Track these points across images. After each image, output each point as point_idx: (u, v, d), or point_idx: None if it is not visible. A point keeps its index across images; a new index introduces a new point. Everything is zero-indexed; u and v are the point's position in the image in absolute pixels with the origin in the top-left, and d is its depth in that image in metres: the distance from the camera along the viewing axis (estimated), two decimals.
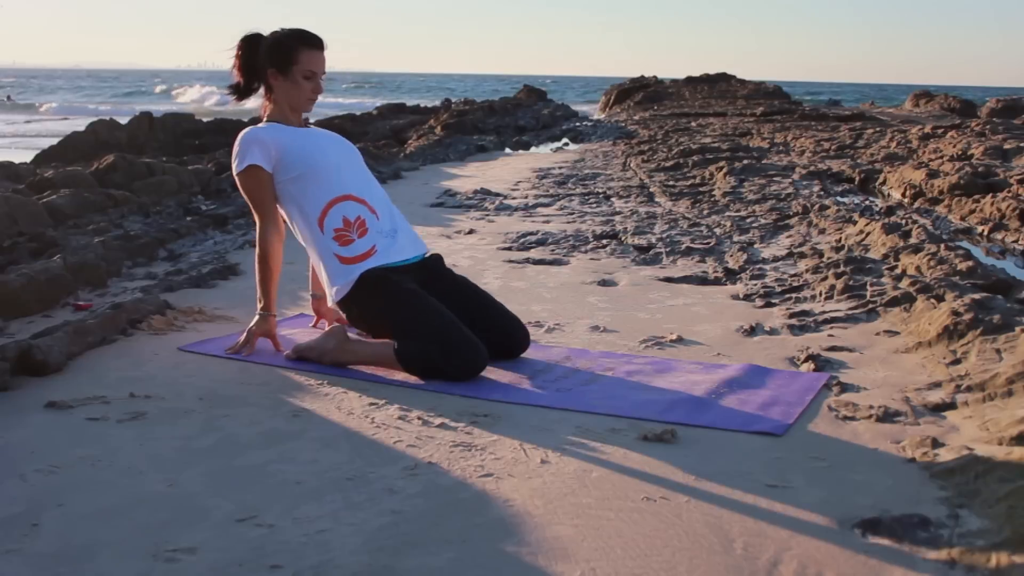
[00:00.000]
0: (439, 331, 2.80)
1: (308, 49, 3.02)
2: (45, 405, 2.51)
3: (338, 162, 3.07)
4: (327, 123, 15.55)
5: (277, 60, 3.01)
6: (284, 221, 3.12)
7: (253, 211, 3.09)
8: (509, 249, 5.09)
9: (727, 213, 6.42)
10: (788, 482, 2.07)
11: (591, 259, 4.85)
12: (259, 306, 3.08)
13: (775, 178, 8.24)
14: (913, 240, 4.79)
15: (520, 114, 18.94)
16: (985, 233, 5.63)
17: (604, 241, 5.31)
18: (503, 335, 3.01)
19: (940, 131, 12.19)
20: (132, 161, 7.08)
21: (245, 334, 3.07)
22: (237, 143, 3.05)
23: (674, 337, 3.33)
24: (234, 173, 3.07)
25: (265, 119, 3.13)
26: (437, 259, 3.16)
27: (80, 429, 2.36)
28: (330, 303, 3.06)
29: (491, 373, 2.86)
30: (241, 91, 3.13)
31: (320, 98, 3.18)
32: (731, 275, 4.39)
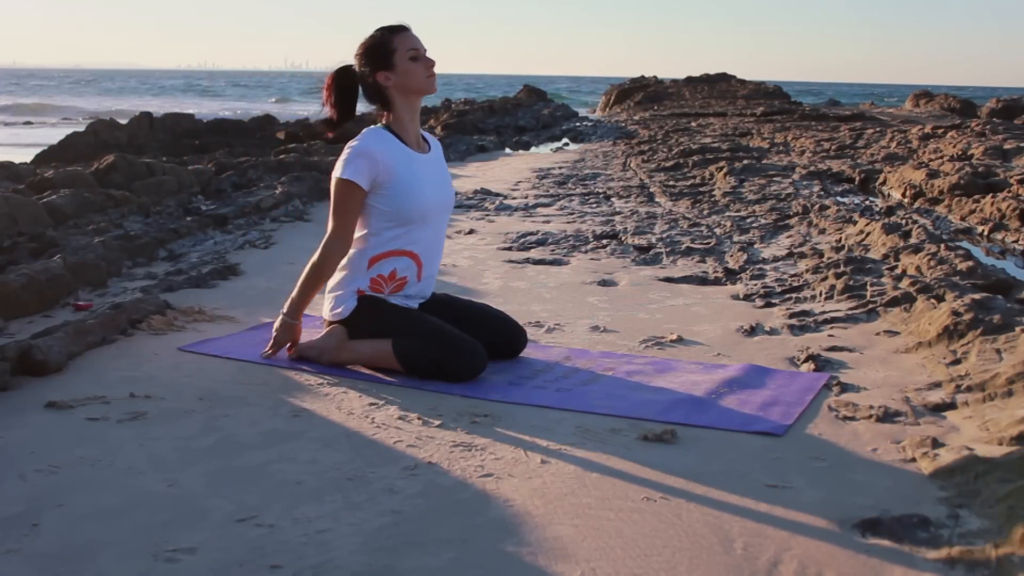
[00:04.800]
0: (439, 332, 2.81)
1: (397, 34, 2.92)
2: (45, 405, 2.51)
3: (426, 211, 2.93)
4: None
5: (379, 60, 2.90)
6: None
7: (331, 216, 2.90)
8: (509, 249, 5.09)
9: (727, 213, 6.42)
10: (788, 482, 2.07)
11: (591, 259, 4.85)
12: (286, 307, 2.96)
13: (775, 178, 8.24)
14: (913, 240, 4.79)
15: (520, 114, 18.95)
16: (985, 233, 5.63)
17: (604, 241, 5.31)
18: (500, 334, 3.02)
19: (940, 131, 12.19)
20: (132, 161, 7.07)
21: (273, 341, 3.00)
22: (349, 147, 2.90)
23: (674, 337, 3.33)
24: (333, 174, 2.92)
25: (381, 126, 2.98)
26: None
27: (80, 429, 2.36)
28: (325, 314, 3.00)
29: (491, 373, 2.86)
30: (336, 123, 3.02)
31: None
32: (731, 275, 4.39)
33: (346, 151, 2.89)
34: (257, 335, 3.26)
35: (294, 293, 2.95)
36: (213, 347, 3.10)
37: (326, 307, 3.00)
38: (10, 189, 5.67)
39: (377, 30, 2.96)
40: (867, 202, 7.01)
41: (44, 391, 2.62)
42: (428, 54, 2.94)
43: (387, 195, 2.87)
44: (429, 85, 2.95)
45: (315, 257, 2.91)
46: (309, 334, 3.26)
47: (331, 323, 2.97)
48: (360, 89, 2.97)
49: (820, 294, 3.93)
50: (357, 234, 2.93)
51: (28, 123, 23.29)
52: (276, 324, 2.99)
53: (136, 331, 3.26)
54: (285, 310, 2.97)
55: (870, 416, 2.48)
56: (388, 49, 2.90)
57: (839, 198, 7.09)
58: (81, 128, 12.61)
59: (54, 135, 13.76)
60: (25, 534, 1.79)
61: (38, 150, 11.16)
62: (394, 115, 2.96)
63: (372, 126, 2.98)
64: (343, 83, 2.98)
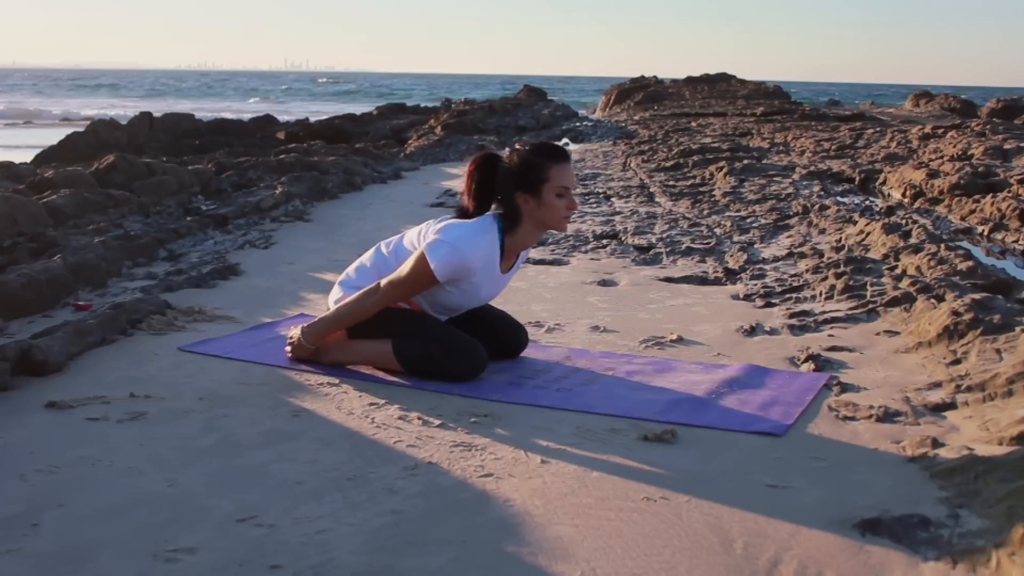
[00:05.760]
0: (439, 333, 2.81)
1: (557, 164, 2.77)
2: (45, 405, 2.51)
3: (462, 308, 2.92)
4: (327, 123, 15.55)
5: (526, 182, 2.76)
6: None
7: (400, 278, 2.77)
8: None
9: (727, 213, 6.42)
10: (788, 482, 2.07)
11: (591, 259, 4.85)
12: (308, 328, 2.89)
13: (775, 178, 8.24)
14: (913, 240, 4.79)
15: (520, 114, 18.95)
16: (985, 233, 5.63)
17: (604, 241, 5.31)
18: (501, 334, 3.02)
19: (940, 131, 12.19)
20: (132, 161, 7.07)
21: (291, 352, 2.97)
22: (459, 237, 2.73)
23: (674, 337, 3.33)
24: (426, 248, 2.73)
25: (499, 230, 2.82)
26: None
27: (80, 429, 2.36)
28: (331, 304, 3.02)
29: (491, 373, 2.86)
30: (470, 215, 2.85)
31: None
32: (731, 275, 4.39)
33: (453, 236, 2.74)
34: (257, 335, 3.26)
35: (325, 320, 2.87)
36: (213, 347, 3.11)
37: (331, 303, 2.99)
38: (10, 189, 5.67)
39: (540, 149, 2.81)
40: (867, 202, 7.01)
41: (44, 391, 2.62)
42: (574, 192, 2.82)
43: (445, 291, 2.81)
44: (562, 226, 2.83)
45: (363, 303, 2.81)
46: None
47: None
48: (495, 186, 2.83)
49: (820, 294, 3.93)
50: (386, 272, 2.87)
51: (28, 123, 23.29)
52: (293, 336, 2.95)
53: (136, 331, 3.26)
54: (307, 329, 2.91)
55: (870, 416, 2.48)
56: (541, 176, 2.75)
57: (839, 198, 7.09)
58: (81, 128, 12.61)
59: (54, 135, 13.76)
60: (25, 534, 1.79)
61: (38, 150, 11.16)
62: (513, 231, 2.83)
63: (492, 217, 2.82)
64: (485, 174, 2.83)
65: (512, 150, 2.87)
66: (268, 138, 13.73)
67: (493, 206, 2.86)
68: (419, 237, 2.86)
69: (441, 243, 2.73)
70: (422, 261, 2.74)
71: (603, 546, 1.77)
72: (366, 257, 2.98)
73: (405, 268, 2.78)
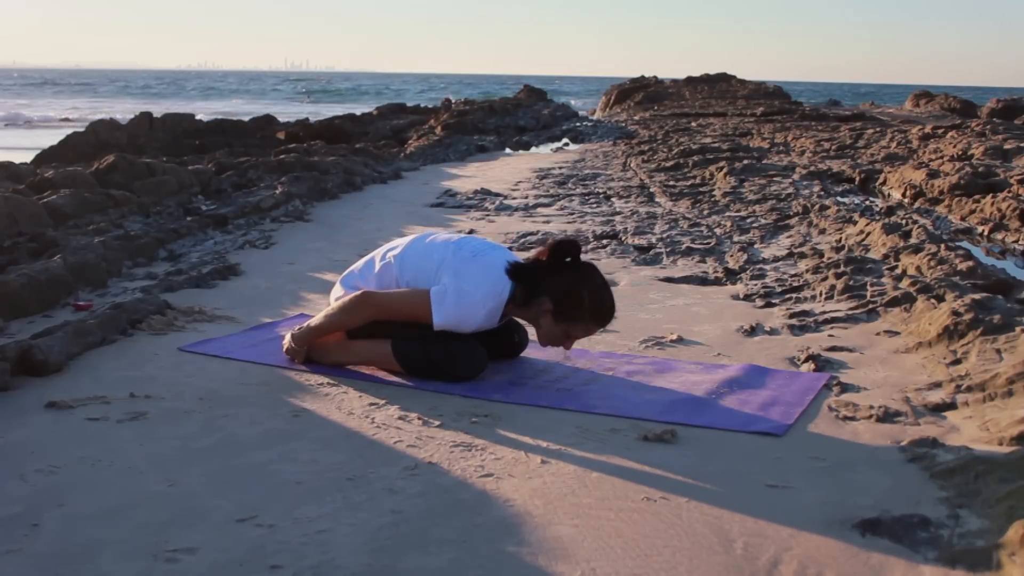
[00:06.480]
0: (438, 333, 2.80)
1: (594, 325, 2.84)
2: (45, 405, 2.51)
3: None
4: (327, 123, 15.55)
5: (561, 306, 2.78)
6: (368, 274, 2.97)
7: (391, 304, 2.82)
8: (510, 249, 5.09)
9: (727, 213, 6.42)
10: (788, 482, 2.07)
11: (591, 259, 4.84)
12: (298, 332, 2.91)
13: (775, 178, 8.24)
14: (913, 240, 4.79)
15: (520, 114, 18.94)
16: (985, 233, 5.64)
17: (604, 241, 5.31)
18: (501, 334, 3.01)
19: (940, 131, 12.19)
20: (132, 161, 7.07)
21: (286, 353, 2.98)
22: (470, 308, 2.75)
23: (674, 337, 3.33)
24: (434, 297, 2.74)
25: (510, 289, 2.81)
26: None
27: (80, 429, 2.36)
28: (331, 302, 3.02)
29: (491, 373, 2.86)
30: (534, 269, 2.85)
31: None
32: (731, 275, 4.39)
33: (466, 299, 2.75)
34: (257, 335, 3.26)
35: (312, 325, 2.89)
36: (213, 347, 3.10)
37: (332, 301, 2.99)
38: (10, 189, 5.67)
39: (598, 301, 2.80)
40: (867, 202, 7.01)
41: (44, 391, 2.62)
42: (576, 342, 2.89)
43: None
44: (543, 345, 2.88)
45: (345, 317, 2.84)
46: None
47: None
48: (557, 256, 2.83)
49: (820, 294, 3.93)
50: (385, 282, 2.90)
51: (28, 123, 23.28)
52: (286, 341, 2.96)
53: (136, 331, 3.26)
54: (296, 334, 2.92)
55: (870, 416, 2.48)
56: (574, 318, 2.79)
57: (839, 198, 7.09)
58: (81, 128, 12.61)
59: (54, 135, 13.76)
60: (25, 534, 1.79)
61: (38, 150, 11.15)
62: (521, 305, 2.83)
63: (511, 286, 2.81)
64: (556, 258, 2.82)
65: (586, 278, 2.82)
66: (268, 138, 13.72)
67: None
68: (452, 255, 2.84)
69: (447, 299, 2.74)
70: (424, 306, 2.75)
71: (603, 546, 1.77)
72: (373, 260, 2.98)
73: (406, 300, 2.80)
